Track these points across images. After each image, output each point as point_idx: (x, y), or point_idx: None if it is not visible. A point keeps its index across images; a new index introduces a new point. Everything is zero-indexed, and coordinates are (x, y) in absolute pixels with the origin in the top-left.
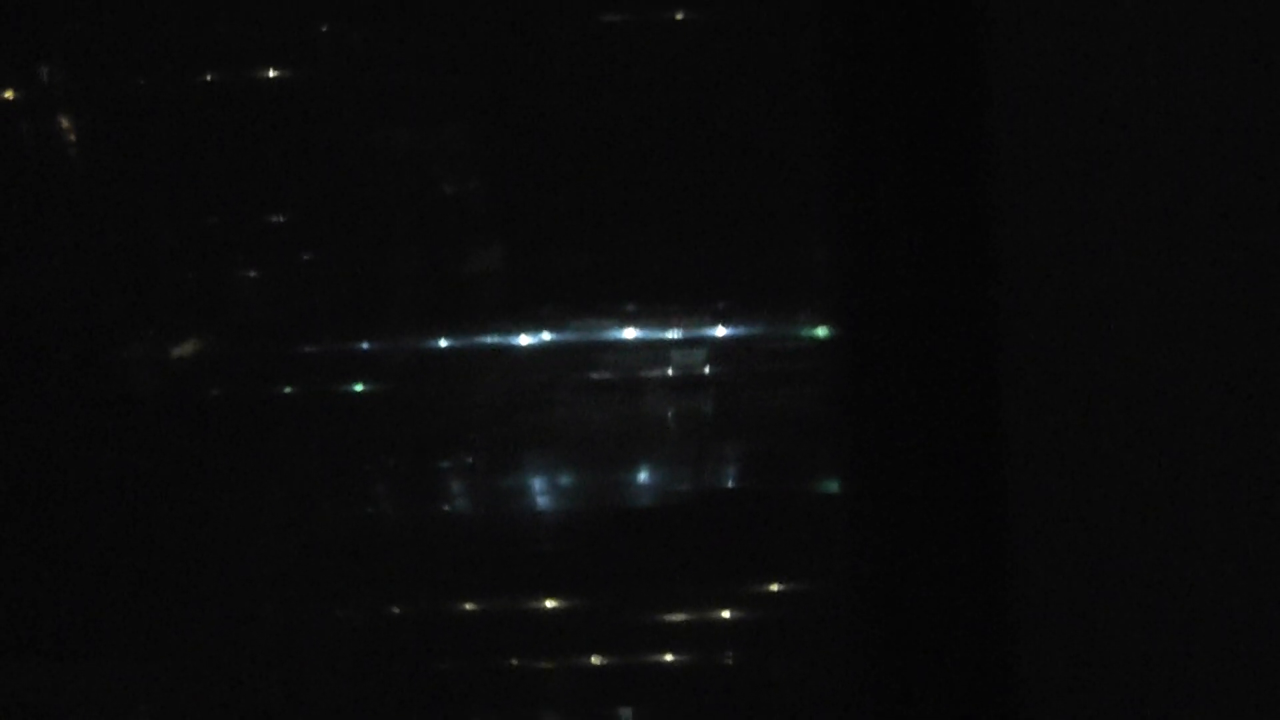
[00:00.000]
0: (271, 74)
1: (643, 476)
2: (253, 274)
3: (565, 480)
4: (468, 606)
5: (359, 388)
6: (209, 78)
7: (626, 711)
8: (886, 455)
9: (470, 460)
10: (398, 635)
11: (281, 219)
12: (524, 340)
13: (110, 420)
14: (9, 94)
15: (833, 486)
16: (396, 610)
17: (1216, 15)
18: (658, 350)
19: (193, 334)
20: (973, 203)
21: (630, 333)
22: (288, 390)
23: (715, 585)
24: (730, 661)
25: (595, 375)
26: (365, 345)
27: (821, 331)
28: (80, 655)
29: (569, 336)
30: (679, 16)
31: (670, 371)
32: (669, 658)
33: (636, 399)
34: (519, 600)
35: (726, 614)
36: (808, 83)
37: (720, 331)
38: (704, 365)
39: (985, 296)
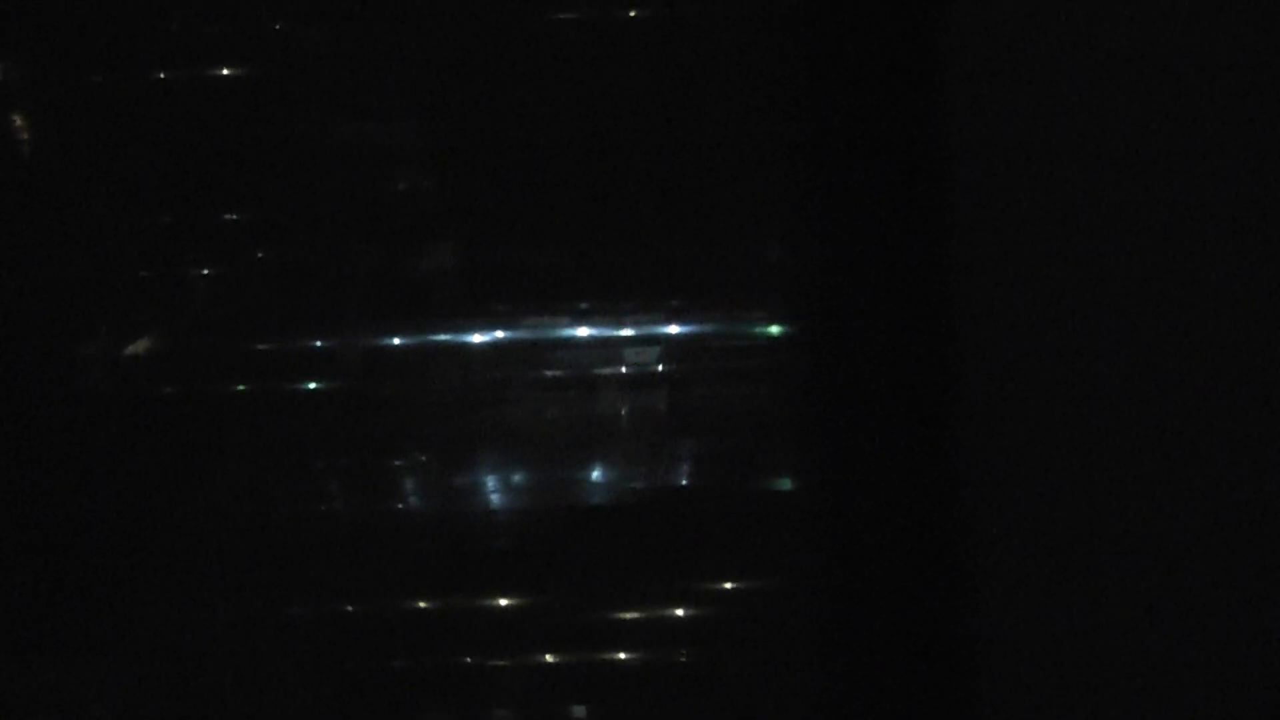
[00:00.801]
0: (225, 72)
1: (597, 474)
2: (206, 272)
3: (519, 478)
4: (422, 604)
5: (312, 385)
6: (163, 75)
7: (580, 709)
8: (841, 453)
9: (424, 458)
10: (352, 632)
11: (235, 217)
12: (477, 338)
13: (64, 417)
14: None
15: (787, 484)
16: (350, 608)
17: (1172, 15)
18: (612, 348)
19: (146, 332)
20: (929, 201)
21: (584, 330)
22: (241, 388)
23: (670, 583)
24: (685, 659)
25: (549, 373)
26: (319, 343)
27: (776, 329)
28: (33, 651)
29: (523, 334)
30: (632, 14)
31: (624, 369)
32: (623, 655)
33: (590, 397)
34: (473, 598)
35: (681, 611)
36: (763, 80)
37: (674, 329)
38: (658, 363)
39: (941, 294)
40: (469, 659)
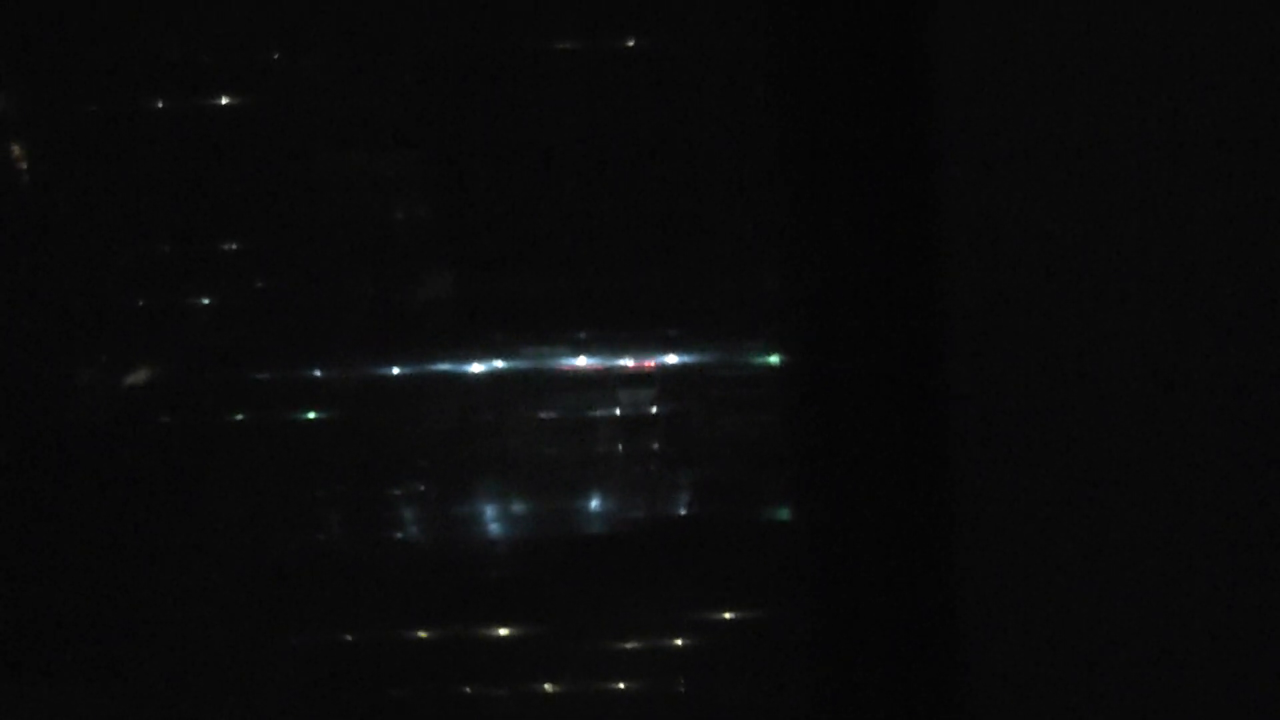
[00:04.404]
0: (223, 101)
1: (595, 504)
2: (204, 301)
3: (517, 507)
4: (420, 634)
5: (311, 415)
6: (160, 104)
7: None
8: (838, 482)
9: (422, 487)
10: (350, 662)
11: (233, 246)
12: (476, 368)
13: (61, 447)
14: None
15: (784, 514)
16: (349, 637)
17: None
18: (609, 378)
19: (144, 361)
20: (923, 231)
21: (582, 360)
22: (239, 417)
23: (668, 613)
24: (683, 689)
25: (546, 403)
26: (317, 372)
27: (773, 358)
28: (31, 678)
29: (520, 364)
30: (630, 44)
31: (622, 399)
32: (622, 685)
33: (588, 427)
34: (471, 627)
35: (679, 641)
36: (758, 110)
37: (672, 359)
38: (655, 393)
39: (935, 323)
40: (468, 689)
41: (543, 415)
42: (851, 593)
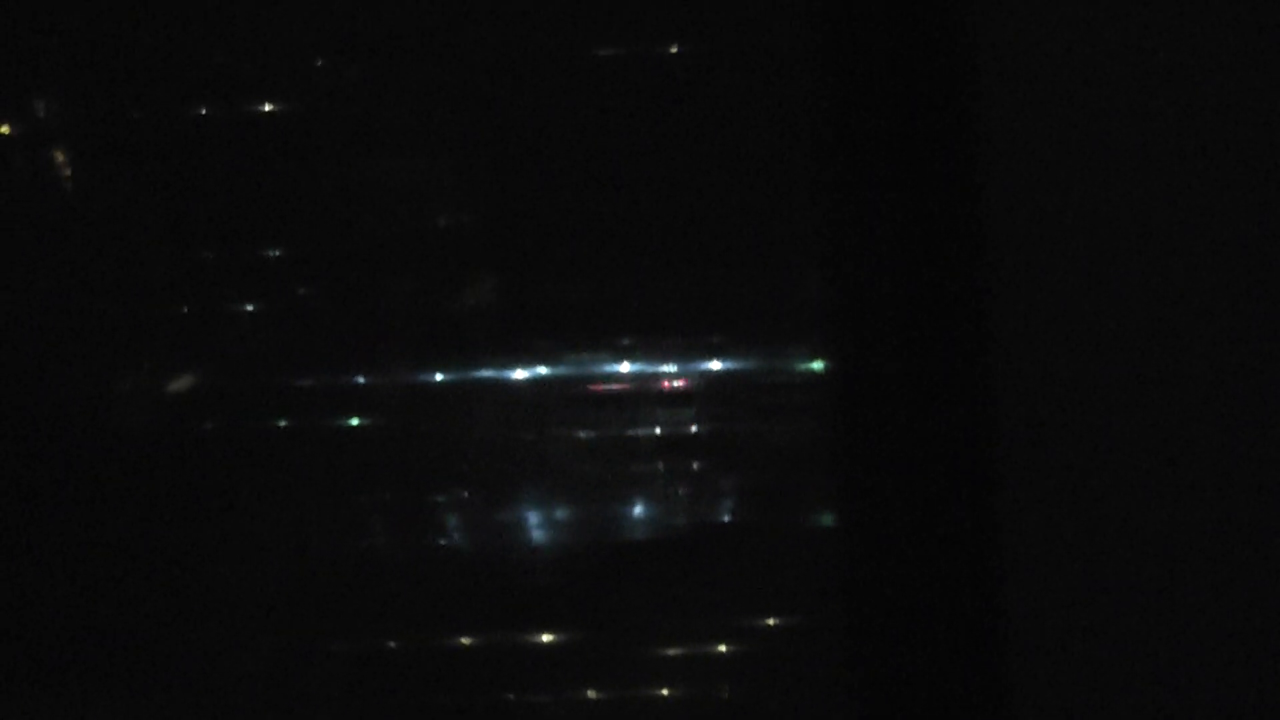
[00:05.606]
0: (266, 107)
1: (638, 510)
2: (248, 308)
3: (560, 514)
4: (464, 640)
5: (354, 422)
6: (203, 111)
7: None
8: (882, 488)
9: (466, 494)
10: (394, 668)
11: (276, 253)
12: (519, 374)
13: (104, 453)
14: (4, 128)
15: (828, 520)
16: (393, 644)
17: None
18: (652, 385)
19: (188, 368)
20: (966, 238)
21: (625, 366)
22: (283, 424)
23: (711, 619)
24: (726, 695)
25: (590, 410)
26: (360, 379)
27: (817, 365)
28: (74, 686)
29: (564, 370)
30: (673, 50)
31: (665, 407)
32: (665, 692)
33: (631, 435)
34: (515, 634)
35: (723, 648)
36: (800, 117)
37: (715, 365)
38: (699, 400)
39: (979, 329)
40: (511, 695)
41: (585, 421)
42: (895, 598)
